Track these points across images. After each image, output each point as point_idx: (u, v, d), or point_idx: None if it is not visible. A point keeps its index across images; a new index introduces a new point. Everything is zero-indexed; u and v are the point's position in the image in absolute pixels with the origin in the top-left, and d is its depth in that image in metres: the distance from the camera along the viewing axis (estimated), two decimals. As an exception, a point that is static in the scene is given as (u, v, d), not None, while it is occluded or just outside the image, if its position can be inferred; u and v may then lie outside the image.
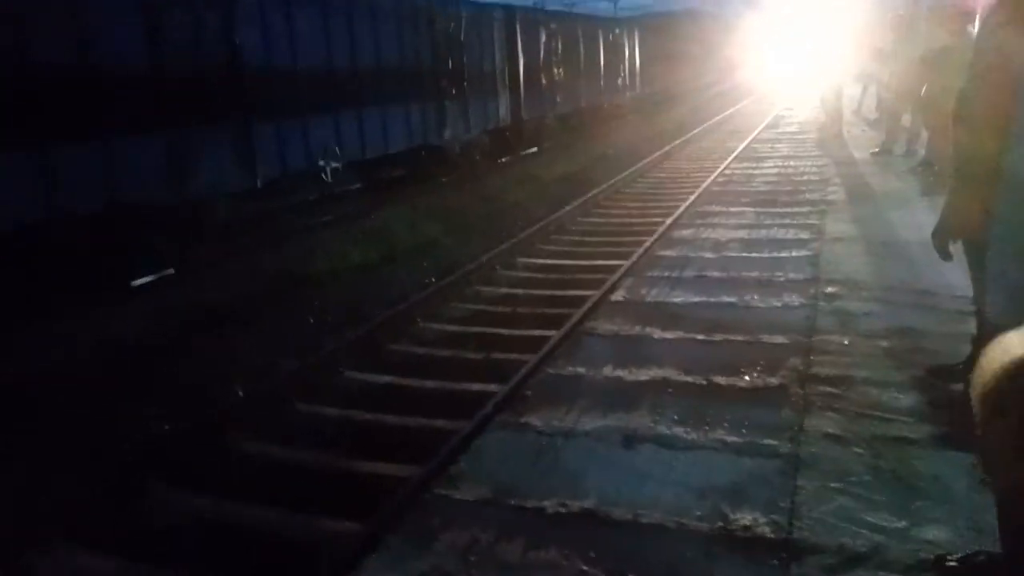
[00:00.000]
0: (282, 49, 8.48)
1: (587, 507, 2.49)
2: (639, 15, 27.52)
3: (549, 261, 7.65)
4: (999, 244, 1.86)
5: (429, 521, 2.45)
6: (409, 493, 3.13)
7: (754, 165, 10.29)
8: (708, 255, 5.72)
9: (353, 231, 8.98)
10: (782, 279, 4.97)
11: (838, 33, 12.71)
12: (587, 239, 8.54)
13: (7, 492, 3.50)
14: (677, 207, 8.62)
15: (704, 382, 3.44)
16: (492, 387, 4.31)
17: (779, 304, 4.49)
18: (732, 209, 7.38)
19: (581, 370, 3.66)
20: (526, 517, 2.46)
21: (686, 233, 6.55)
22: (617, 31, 20.02)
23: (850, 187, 8.16)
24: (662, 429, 3.02)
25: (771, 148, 11.92)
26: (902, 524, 2.33)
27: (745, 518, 2.40)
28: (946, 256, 2.61)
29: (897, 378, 3.37)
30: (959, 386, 3.07)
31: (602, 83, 18.59)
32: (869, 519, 2.37)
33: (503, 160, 14.27)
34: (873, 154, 9.73)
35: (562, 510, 2.48)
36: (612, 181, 11.49)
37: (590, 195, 10.46)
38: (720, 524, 2.38)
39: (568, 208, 9.61)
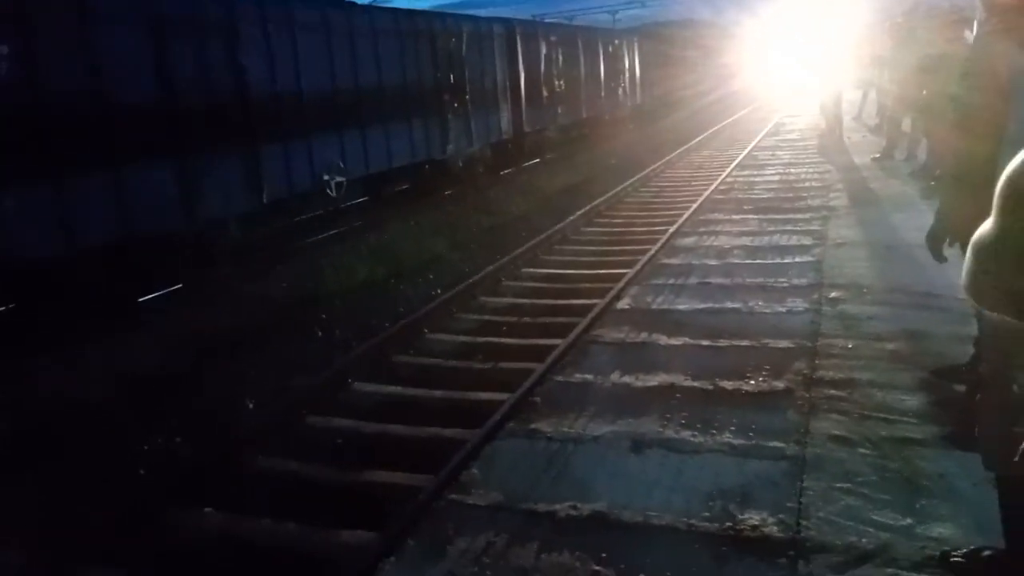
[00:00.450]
0: (287, 72, 8.61)
1: (598, 510, 2.54)
2: (638, 25, 27.71)
3: (554, 271, 7.70)
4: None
5: (443, 527, 2.50)
6: (423, 501, 3.16)
7: (756, 172, 10.35)
8: (712, 262, 5.78)
9: (359, 245, 9.07)
10: (786, 284, 5.02)
11: (837, 40, 12.79)
12: (591, 249, 8.59)
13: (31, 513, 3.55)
14: (680, 215, 8.67)
15: (710, 387, 3.49)
16: (501, 396, 4.35)
17: (783, 309, 4.54)
18: (735, 216, 7.44)
19: (589, 377, 3.71)
20: (538, 522, 2.51)
21: (689, 241, 6.61)
22: (617, 42, 20.14)
23: (852, 192, 8.21)
24: (670, 433, 3.07)
25: (772, 155, 11.98)
26: (908, 522, 2.38)
27: (753, 518, 2.45)
28: (940, 258, 2.67)
29: (901, 380, 3.41)
30: (963, 387, 3.11)
31: (602, 94, 18.70)
32: (875, 518, 2.41)
33: (506, 172, 14.37)
34: (874, 159, 9.78)
35: (573, 514, 2.53)
36: (615, 191, 11.56)
37: (593, 205, 10.52)
38: (729, 525, 2.42)
39: (571, 218, 9.67)
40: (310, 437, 4.39)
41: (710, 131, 19.37)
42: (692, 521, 2.46)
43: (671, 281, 5.35)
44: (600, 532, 2.44)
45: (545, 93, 15.50)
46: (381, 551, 2.65)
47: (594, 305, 5.83)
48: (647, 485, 2.70)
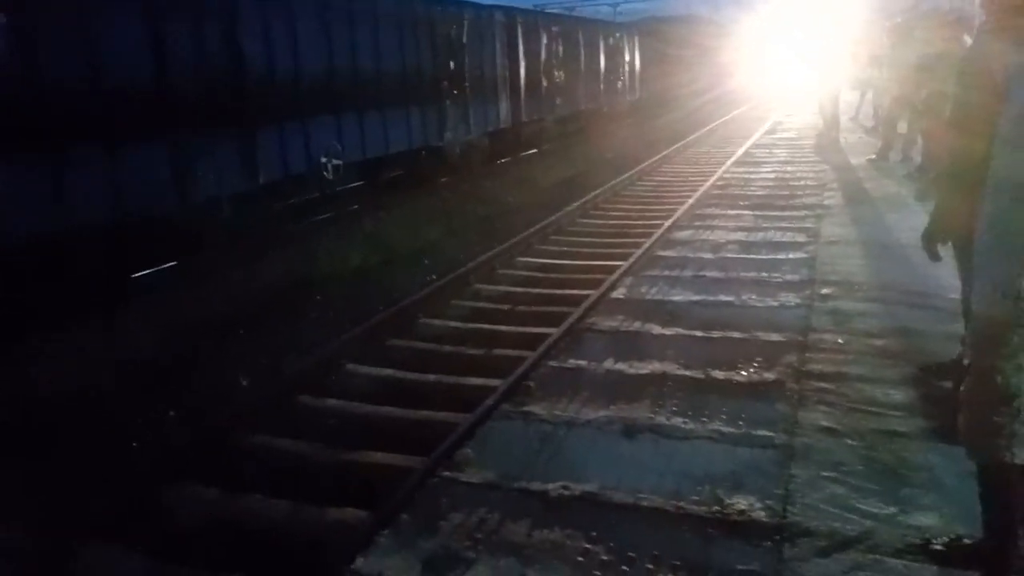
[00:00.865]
0: (285, 54, 8.58)
1: (589, 491, 2.59)
2: (639, 19, 27.66)
3: (549, 261, 7.73)
4: (984, 239, 1.97)
5: (437, 503, 2.55)
6: (416, 480, 3.20)
7: (752, 169, 10.40)
8: (707, 256, 5.83)
9: (354, 229, 9.07)
10: (779, 280, 5.07)
11: (835, 40, 12.82)
12: (586, 240, 8.63)
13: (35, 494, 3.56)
14: (676, 209, 8.72)
15: (702, 376, 3.55)
16: (494, 381, 4.39)
17: (776, 303, 4.59)
18: (730, 212, 7.49)
19: (583, 363, 3.76)
20: (530, 500, 2.56)
21: (685, 234, 6.66)
22: (617, 35, 20.13)
23: (847, 192, 8.27)
24: (661, 420, 3.12)
25: (769, 153, 12.03)
26: (891, 511, 2.43)
27: (741, 503, 2.50)
28: (935, 257, 2.72)
29: (890, 375, 3.47)
30: (950, 384, 3.17)
31: (601, 87, 18.69)
32: (860, 506, 2.47)
33: (503, 161, 14.38)
34: (870, 160, 9.84)
35: (565, 493, 2.58)
36: (611, 183, 11.59)
37: (589, 197, 10.55)
38: (717, 508, 2.48)
39: (567, 209, 9.71)
40: (302, 417, 4.41)
41: (707, 128, 19.41)
42: (681, 504, 2.51)
43: (666, 273, 5.39)
44: (591, 512, 2.48)
45: (544, 84, 15.49)
46: (372, 530, 2.69)
47: (589, 295, 5.87)
48: (638, 468, 2.75)
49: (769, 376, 3.52)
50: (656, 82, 22.97)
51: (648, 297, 4.88)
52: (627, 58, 20.70)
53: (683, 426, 3.06)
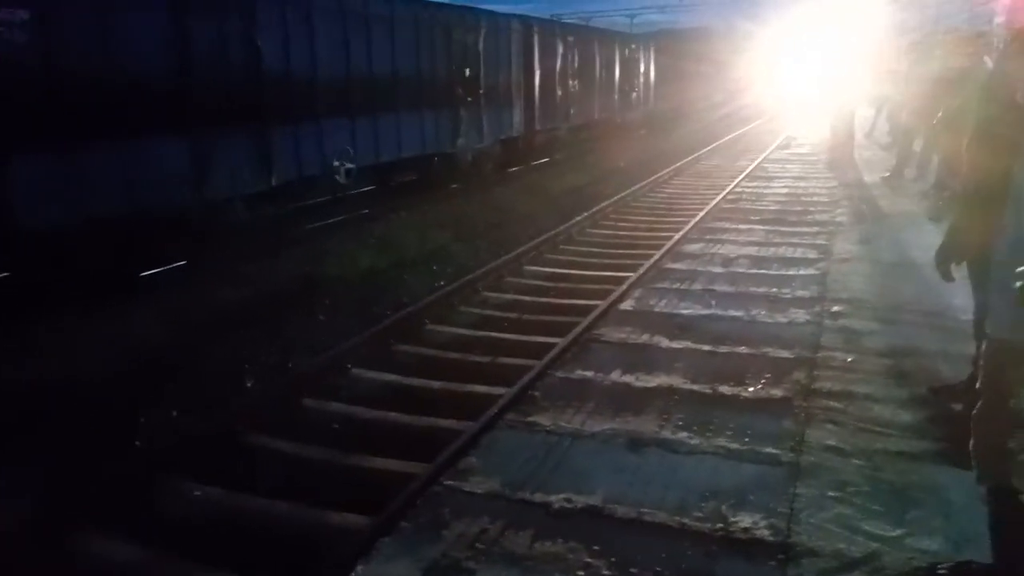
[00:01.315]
0: (302, 55, 8.64)
1: (593, 504, 2.57)
2: (655, 31, 27.67)
3: (557, 270, 7.72)
4: (1004, 259, 1.94)
5: (439, 511, 2.53)
6: (418, 487, 3.19)
7: (764, 184, 10.37)
8: (717, 270, 5.80)
9: (364, 233, 9.09)
10: (789, 296, 5.05)
11: (851, 56, 12.79)
12: (596, 250, 8.62)
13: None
14: (687, 222, 8.69)
15: (709, 391, 3.52)
16: (500, 390, 4.38)
17: (785, 320, 4.56)
18: (741, 226, 7.46)
19: (589, 375, 3.74)
20: (533, 511, 2.54)
21: (695, 248, 6.63)
22: (633, 46, 20.15)
23: (859, 209, 8.23)
24: (667, 434, 3.10)
25: (782, 168, 12.00)
26: (897, 533, 2.40)
27: (745, 521, 2.47)
28: (948, 277, 2.68)
29: (898, 395, 3.44)
30: (959, 405, 3.14)
31: (616, 98, 18.71)
32: (865, 527, 2.44)
33: (515, 170, 14.39)
34: (884, 177, 9.80)
35: (568, 506, 2.56)
36: (623, 194, 11.58)
37: (600, 207, 10.54)
38: (721, 526, 2.45)
39: (578, 219, 9.70)
40: (305, 420, 4.41)
41: (721, 141, 19.38)
42: (685, 520, 2.49)
43: (675, 286, 5.37)
44: (594, 525, 2.46)
45: (559, 93, 15.52)
46: (373, 536, 2.68)
47: (597, 305, 5.86)
48: (642, 482, 2.73)
49: (777, 393, 3.49)
50: (670, 95, 22.97)
51: (657, 309, 4.85)
52: (642, 69, 20.72)
53: (689, 441, 3.04)
